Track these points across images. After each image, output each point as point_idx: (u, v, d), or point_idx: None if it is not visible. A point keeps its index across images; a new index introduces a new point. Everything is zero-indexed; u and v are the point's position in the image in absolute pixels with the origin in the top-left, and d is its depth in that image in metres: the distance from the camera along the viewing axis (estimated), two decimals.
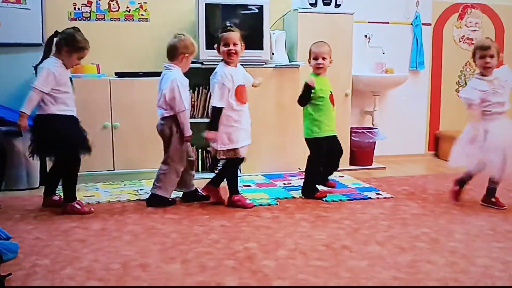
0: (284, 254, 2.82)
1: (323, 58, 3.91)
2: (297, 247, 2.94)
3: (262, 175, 4.75)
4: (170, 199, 3.80)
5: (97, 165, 4.39)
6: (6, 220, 3.39)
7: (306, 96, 3.91)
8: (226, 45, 3.62)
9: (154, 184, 3.79)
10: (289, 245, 2.96)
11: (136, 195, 4.04)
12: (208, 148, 4.65)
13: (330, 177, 4.25)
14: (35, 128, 3.53)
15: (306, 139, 4.00)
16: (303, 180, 4.11)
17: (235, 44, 3.62)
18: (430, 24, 5.74)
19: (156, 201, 3.75)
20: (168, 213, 3.59)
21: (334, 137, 4.03)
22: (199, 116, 4.69)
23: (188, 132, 3.73)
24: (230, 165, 3.81)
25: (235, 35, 3.63)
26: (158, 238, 3.07)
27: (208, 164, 4.90)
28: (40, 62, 3.58)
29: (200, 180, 4.13)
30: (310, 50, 3.98)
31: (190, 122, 3.77)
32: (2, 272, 2.41)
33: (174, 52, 3.74)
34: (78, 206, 3.60)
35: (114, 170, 4.48)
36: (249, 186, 4.37)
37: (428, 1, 5.69)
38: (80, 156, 3.59)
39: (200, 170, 4.83)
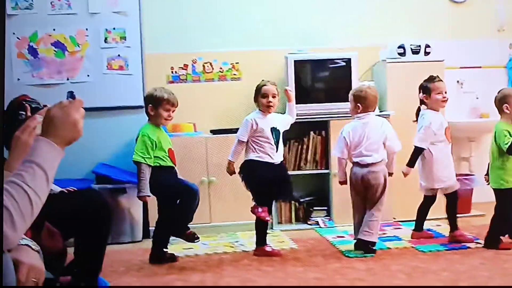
0: None
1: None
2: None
3: None
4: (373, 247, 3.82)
5: (195, 219, 4.50)
6: (111, 272, 3.51)
7: None
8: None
9: (363, 231, 3.78)
10: None
11: (232, 247, 4.13)
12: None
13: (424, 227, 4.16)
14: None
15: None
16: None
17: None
18: None
19: (363, 246, 3.80)
20: (263, 265, 3.62)
21: None
22: (291, 168, 4.76)
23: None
24: None
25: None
26: None
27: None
28: None
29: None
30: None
31: None
32: None
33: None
34: (269, 249, 3.90)
35: (211, 222, 4.61)
36: (343, 237, 4.35)
37: None
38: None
39: (293, 221, 4.86)
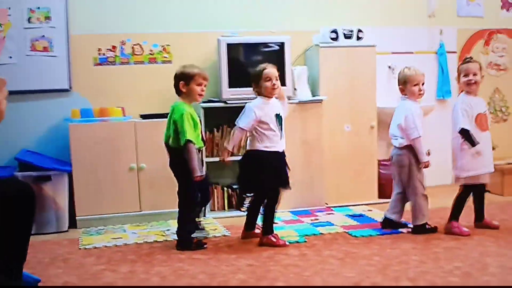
0: None
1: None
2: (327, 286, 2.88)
3: (289, 211, 4.70)
4: (428, 226, 3.88)
5: (124, 207, 4.42)
6: (36, 264, 3.40)
7: None
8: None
9: (413, 216, 3.90)
10: (318, 283, 2.91)
11: (163, 235, 4.04)
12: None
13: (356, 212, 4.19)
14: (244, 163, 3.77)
15: None
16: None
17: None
18: (455, 52, 5.69)
19: (421, 230, 3.84)
20: (196, 253, 3.56)
21: None
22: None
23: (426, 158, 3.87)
24: None
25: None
26: (186, 280, 3.05)
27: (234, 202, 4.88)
28: None
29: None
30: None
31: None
32: None
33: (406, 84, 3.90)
34: (274, 239, 3.70)
35: (141, 211, 4.49)
36: (276, 223, 4.31)
37: (453, 29, 5.66)
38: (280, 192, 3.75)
39: (226, 208, 4.80)
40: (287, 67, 4.67)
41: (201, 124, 3.82)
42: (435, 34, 5.61)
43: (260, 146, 3.71)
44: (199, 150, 3.74)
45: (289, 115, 4.63)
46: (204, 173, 3.76)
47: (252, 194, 3.99)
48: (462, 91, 3.94)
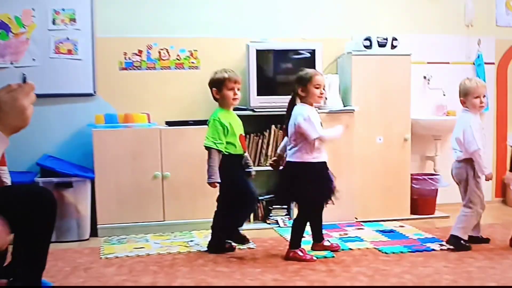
0: None
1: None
2: None
3: None
4: (466, 244, 3.79)
5: (147, 216, 4.35)
6: (57, 272, 3.34)
7: None
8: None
9: (455, 225, 3.83)
10: None
11: (187, 246, 3.94)
12: None
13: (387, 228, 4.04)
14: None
15: None
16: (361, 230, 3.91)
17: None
18: (493, 63, 5.51)
19: (456, 243, 3.77)
20: (220, 265, 3.47)
21: None
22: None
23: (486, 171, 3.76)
24: None
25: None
26: None
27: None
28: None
29: None
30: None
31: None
32: None
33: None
34: (301, 253, 3.60)
35: (164, 220, 4.41)
36: (304, 237, 4.18)
37: (491, 39, 5.48)
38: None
39: (252, 220, 4.67)
40: None
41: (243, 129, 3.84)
42: (472, 44, 5.43)
43: (309, 158, 3.56)
44: (239, 156, 3.75)
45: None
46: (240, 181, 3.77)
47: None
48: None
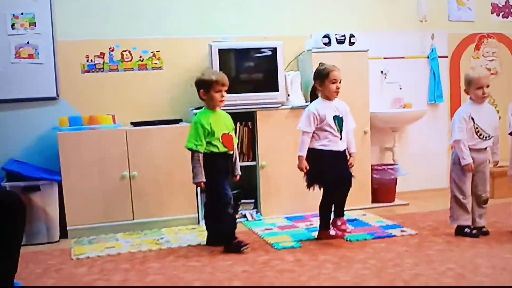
0: None
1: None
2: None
3: (283, 217, 4.67)
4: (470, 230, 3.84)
5: (116, 216, 4.35)
6: (28, 274, 3.35)
7: None
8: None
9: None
10: None
11: (157, 244, 3.97)
12: None
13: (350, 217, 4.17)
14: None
15: None
16: None
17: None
18: (446, 57, 5.70)
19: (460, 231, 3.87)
20: (191, 260, 3.52)
21: None
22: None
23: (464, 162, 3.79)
24: None
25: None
26: None
27: None
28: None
29: None
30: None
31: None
32: None
33: None
34: (333, 232, 3.86)
35: (133, 220, 4.42)
36: (271, 229, 4.29)
37: (444, 34, 5.67)
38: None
39: None
40: (280, 72, 4.63)
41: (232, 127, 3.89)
42: (426, 39, 5.61)
43: (316, 145, 3.78)
44: (223, 155, 3.78)
45: (281, 121, 4.64)
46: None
47: None
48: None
